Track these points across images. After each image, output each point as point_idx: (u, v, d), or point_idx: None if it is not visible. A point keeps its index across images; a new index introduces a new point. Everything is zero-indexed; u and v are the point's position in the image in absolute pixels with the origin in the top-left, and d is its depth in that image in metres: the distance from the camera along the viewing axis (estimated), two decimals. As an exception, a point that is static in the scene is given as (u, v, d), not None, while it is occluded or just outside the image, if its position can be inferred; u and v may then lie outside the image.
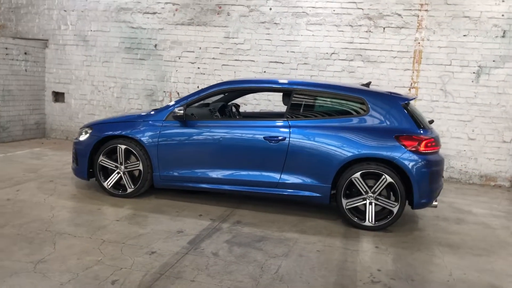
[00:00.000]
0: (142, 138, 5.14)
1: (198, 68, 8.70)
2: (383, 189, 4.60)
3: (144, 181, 5.21)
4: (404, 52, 7.70)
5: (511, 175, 7.47)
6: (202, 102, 6.05)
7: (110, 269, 3.35)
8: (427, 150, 4.58)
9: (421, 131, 4.66)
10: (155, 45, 8.88)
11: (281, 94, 5.37)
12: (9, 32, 9.70)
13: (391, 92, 5.00)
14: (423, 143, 4.55)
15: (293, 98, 5.00)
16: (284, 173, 4.85)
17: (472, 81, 7.48)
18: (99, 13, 9.12)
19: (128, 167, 5.26)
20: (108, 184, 5.30)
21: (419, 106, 7.68)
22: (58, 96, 9.68)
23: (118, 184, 5.34)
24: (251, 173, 4.95)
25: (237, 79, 6.37)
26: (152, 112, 5.35)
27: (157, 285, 3.14)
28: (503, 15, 7.25)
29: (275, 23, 8.20)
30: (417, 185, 4.51)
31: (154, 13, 8.80)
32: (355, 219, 4.68)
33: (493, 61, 7.36)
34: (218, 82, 5.54)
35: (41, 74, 9.49)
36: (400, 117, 4.71)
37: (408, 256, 4.02)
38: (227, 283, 3.25)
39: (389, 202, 4.59)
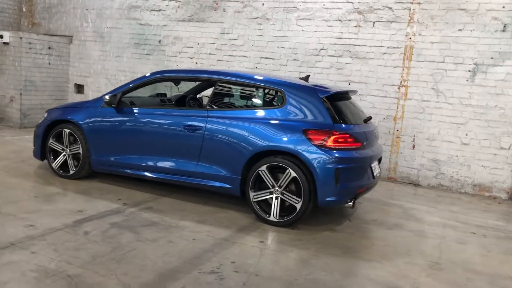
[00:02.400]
0: (81, 123, 5.43)
1: (196, 63, 8.89)
2: (288, 183, 4.39)
3: (83, 164, 5.50)
4: (394, 48, 7.20)
5: (508, 186, 6.64)
6: (159, 92, 6.24)
7: (-27, 235, 3.63)
8: (337, 145, 4.29)
9: (340, 126, 4.38)
10: (159, 41, 9.24)
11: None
12: (42, 29, 10.69)
13: (315, 85, 4.76)
14: (332, 138, 4.28)
15: (216, 89, 4.97)
16: (200, 163, 4.83)
17: (467, 80, 6.78)
18: (114, 11, 9.70)
19: (72, 150, 5.58)
20: (55, 165, 5.66)
21: (409, 106, 7.14)
22: (80, 88, 10.45)
23: (67, 166, 5.68)
24: (171, 161, 5.01)
25: (168, 69, 6.69)
26: (95, 99, 5.62)
27: (-3, 252, 3.35)
28: (504, 7, 6.49)
29: (267, 18, 8.12)
30: (320, 181, 4.25)
31: (159, 10, 9.16)
32: (261, 213, 4.53)
33: (491, 58, 6.60)
34: (152, 72, 5.65)
35: (65, 68, 10.32)
36: (317, 110, 4.48)
37: (283, 254, 3.82)
38: (63, 257, 3.36)
39: (293, 198, 4.37)
